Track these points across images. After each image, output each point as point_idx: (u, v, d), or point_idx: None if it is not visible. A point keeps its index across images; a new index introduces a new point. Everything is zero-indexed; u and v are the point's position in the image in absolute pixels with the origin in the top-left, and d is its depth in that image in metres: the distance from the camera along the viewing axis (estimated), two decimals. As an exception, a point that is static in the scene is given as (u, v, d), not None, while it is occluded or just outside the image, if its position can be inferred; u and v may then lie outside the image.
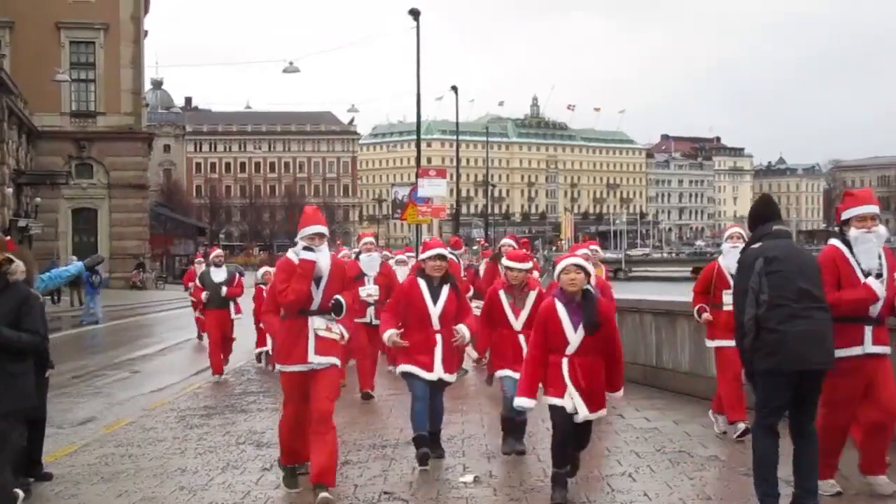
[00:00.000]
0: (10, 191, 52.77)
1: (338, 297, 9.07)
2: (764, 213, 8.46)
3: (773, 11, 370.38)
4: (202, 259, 28.45)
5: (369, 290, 14.56)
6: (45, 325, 9.66)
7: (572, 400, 8.45)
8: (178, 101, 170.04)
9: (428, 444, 10.21)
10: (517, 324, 10.56)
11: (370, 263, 15.40)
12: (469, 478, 9.64)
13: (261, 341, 19.43)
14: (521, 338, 10.37)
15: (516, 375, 9.75)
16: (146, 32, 70.44)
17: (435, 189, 35.26)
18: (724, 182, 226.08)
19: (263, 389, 16.74)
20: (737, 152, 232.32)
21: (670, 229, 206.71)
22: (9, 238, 11.29)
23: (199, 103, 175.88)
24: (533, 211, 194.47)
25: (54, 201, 62.16)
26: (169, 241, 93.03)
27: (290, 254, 9.25)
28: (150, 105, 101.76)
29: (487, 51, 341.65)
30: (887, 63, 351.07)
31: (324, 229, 9.20)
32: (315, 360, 8.89)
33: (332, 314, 9.08)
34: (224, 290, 18.55)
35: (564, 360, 8.51)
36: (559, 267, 8.67)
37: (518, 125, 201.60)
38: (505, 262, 11.07)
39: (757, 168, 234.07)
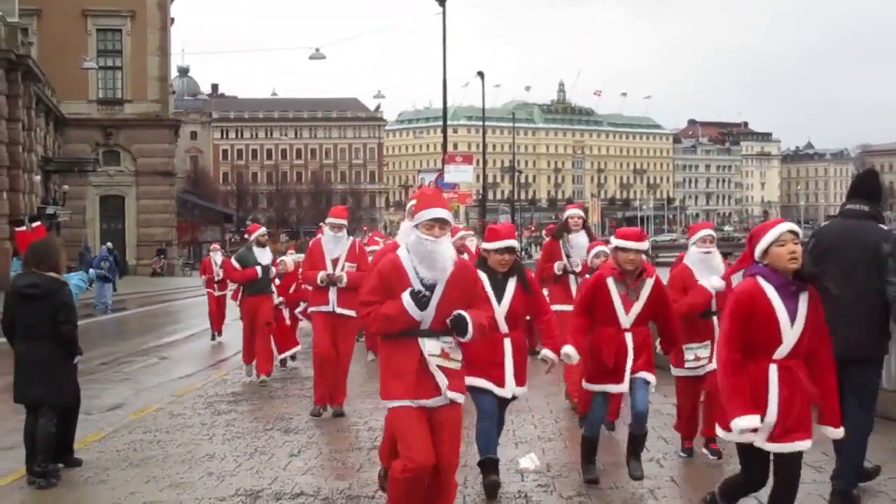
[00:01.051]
0: (38, 178, 52.98)
1: (460, 312, 6.75)
2: (851, 189, 8.37)
3: (785, 1, 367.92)
4: (218, 247, 28.04)
5: None
6: (75, 313, 9.75)
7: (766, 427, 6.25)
8: (205, 89, 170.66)
9: (497, 470, 8.63)
10: (626, 320, 8.68)
11: None
12: (529, 463, 9.49)
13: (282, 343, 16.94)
14: (629, 338, 8.69)
15: (619, 389, 8.77)
16: (173, 20, 70.60)
17: (461, 175, 35.31)
18: (752, 167, 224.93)
19: (290, 376, 16.78)
20: (764, 137, 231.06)
21: (697, 215, 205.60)
22: (38, 223, 11.38)
23: (226, 90, 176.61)
24: (559, 197, 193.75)
25: (82, 189, 62.39)
26: (196, 228, 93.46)
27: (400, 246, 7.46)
28: (176, 92, 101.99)
29: (510, 39, 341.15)
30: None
31: (448, 214, 6.97)
32: (451, 395, 6.84)
33: (452, 335, 6.87)
34: (273, 271, 16.01)
35: (773, 367, 6.21)
36: (771, 236, 6.22)
37: (544, 111, 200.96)
38: (616, 241, 8.83)
39: (784, 153, 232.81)
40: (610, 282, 8.67)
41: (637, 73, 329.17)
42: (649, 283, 8.73)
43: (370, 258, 12.71)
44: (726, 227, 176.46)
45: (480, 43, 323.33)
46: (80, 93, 63.32)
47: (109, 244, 47.64)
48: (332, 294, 12.53)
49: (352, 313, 12.30)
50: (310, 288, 13.23)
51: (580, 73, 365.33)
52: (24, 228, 10.82)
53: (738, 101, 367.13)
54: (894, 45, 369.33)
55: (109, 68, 65.50)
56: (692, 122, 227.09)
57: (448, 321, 6.72)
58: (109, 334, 27.87)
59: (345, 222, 12.93)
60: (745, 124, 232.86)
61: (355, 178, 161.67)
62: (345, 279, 12.45)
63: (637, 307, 8.66)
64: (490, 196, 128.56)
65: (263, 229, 17.01)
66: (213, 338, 24.35)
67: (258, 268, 15.73)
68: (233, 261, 16.49)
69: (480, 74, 50.47)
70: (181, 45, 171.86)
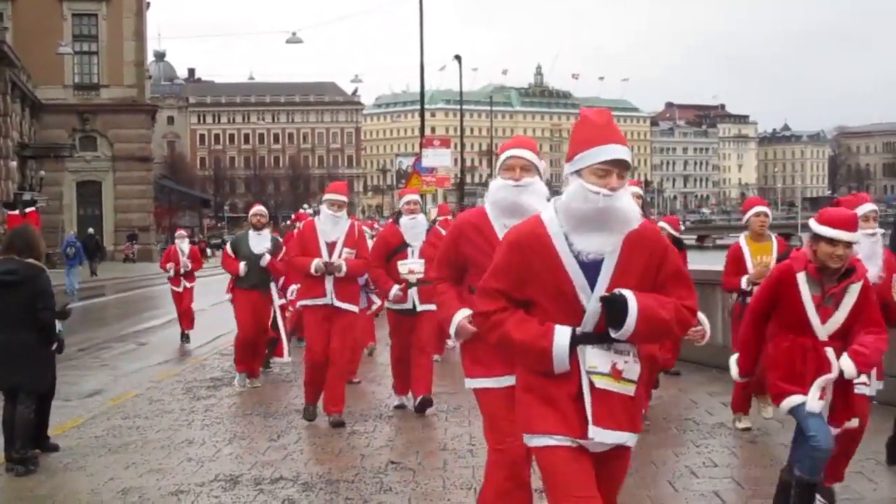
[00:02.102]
0: (14, 164, 52.72)
1: (621, 291, 4.57)
2: None
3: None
4: (185, 234, 23.03)
5: (411, 265, 11.19)
6: (53, 300, 9.74)
7: None
8: (182, 73, 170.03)
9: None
10: (822, 332, 6.48)
11: (414, 230, 11.46)
12: None
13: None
14: (831, 353, 6.48)
15: (816, 407, 6.46)
16: (148, 4, 70.22)
17: (439, 159, 35.32)
18: (729, 150, 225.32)
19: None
20: (741, 120, 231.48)
21: (675, 197, 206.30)
22: (32, 209, 11.37)
23: (203, 75, 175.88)
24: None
25: (58, 174, 62.05)
26: (174, 214, 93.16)
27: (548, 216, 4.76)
28: (153, 77, 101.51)
29: (488, 23, 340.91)
30: (888, 30, 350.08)
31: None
32: (598, 435, 4.64)
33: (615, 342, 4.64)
34: (266, 259, 13.81)
35: None
36: None
37: (522, 94, 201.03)
38: (819, 227, 6.41)
39: (761, 135, 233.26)
40: (802, 279, 6.53)
41: (614, 57, 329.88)
42: (855, 289, 6.50)
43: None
44: (703, 210, 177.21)
45: (458, 27, 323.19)
46: (55, 78, 62.93)
47: (91, 229, 48.08)
48: (329, 284, 10.77)
49: (352, 307, 10.98)
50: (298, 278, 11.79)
51: (557, 56, 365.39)
52: (16, 212, 10.78)
53: (715, 85, 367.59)
54: (871, 28, 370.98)
55: (85, 53, 65.07)
56: (669, 105, 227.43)
57: (600, 298, 4.57)
58: (87, 320, 27.78)
59: (345, 199, 11.33)
60: (722, 107, 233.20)
61: (333, 162, 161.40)
62: (344, 268, 10.68)
63: (838, 318, 6.50)
64: (468, 180, 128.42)
65: (259, 208, 14.66)
66: (183, 340, 20.74)
67: (241, 264, 13.74)
68: (228, 248, 14.39)
69: (458, 58, 50.45)
70: (157, 30, 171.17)
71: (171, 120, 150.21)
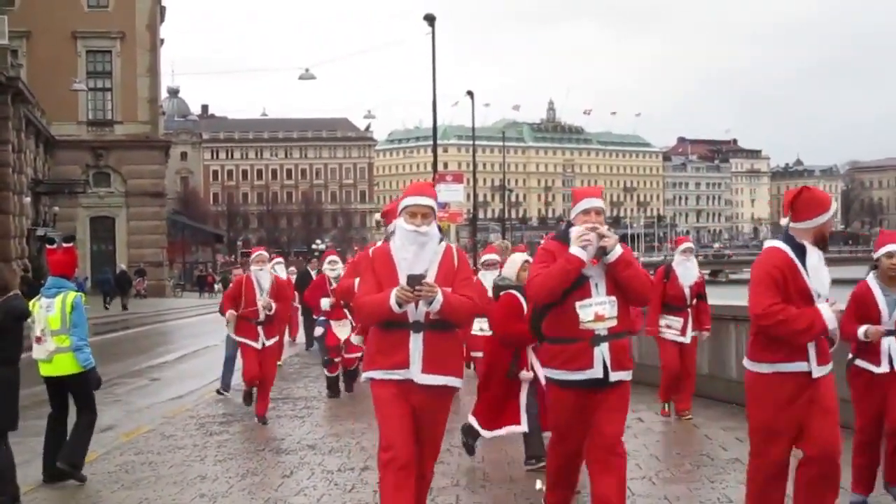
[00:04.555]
0: (28, 200, 52.93)
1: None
2: None
3: (772, 20, 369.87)
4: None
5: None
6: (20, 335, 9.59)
7: None
8: (195, 109, 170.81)
9: None
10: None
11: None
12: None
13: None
14: None
15: None
16: (162, 41, 70.63)
17: (452, 194, 35.38)
18: (742, 184, 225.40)
19: (282, 396, 16.73)
20: (753, 154, 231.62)
21: (688, 232, 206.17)
22: (71, 244, 11.34)
23: (216, 111, 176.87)
24: (550, 215, 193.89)
25: (72, 210, 62.33)
26: (187, 249, 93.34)
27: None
28: (166, 113, 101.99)
29: (498, 59, 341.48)
30: (894, 63, 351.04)
31: None
32: None
33: None
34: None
35: None
36: None
37: (534, 129, 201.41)
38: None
39: (774, 170, 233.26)
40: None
41: (626, 92, 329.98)
42: None
43: None
44: (715, 245, 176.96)
45: (469, 63, 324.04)
46: (70, 114, 63.32)
47: (123, 265, 49.64)
48: (415, 344, 6.81)
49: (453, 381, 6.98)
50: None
51: (569, 91, 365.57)
52: (55, 247, 10.83)
53: (727, 119, 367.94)
54: (880, 62, 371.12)
55: (99, 90, 65.49)
56: (681, 140, 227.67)
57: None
58: (100, 356, 27.75)
59: (433, 204, 7.18)
60: (735, 141, 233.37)
61: (346, 197, 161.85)
62: (440, 299, 6.67)
63: None
64: (481, 215, 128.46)
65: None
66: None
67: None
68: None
69: (470, 94, 50.65)
70: (171, 66, 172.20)
71: (184, 156, 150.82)
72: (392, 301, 6.59)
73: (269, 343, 13.91)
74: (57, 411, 10.60)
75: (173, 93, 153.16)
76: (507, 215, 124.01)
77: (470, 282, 7.10)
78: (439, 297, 6.62)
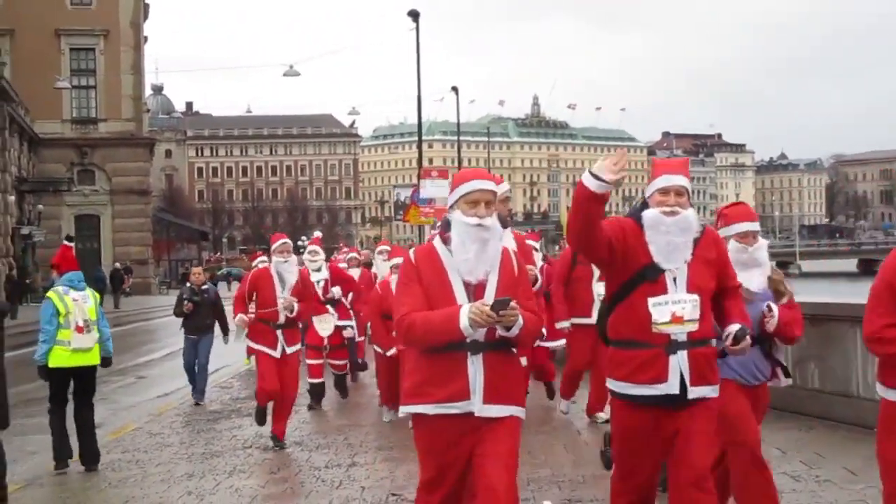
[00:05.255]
0: (12, 198, 52.79)
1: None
2: None
3: (755, 15, 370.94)
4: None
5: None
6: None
7: None
8: (179, 107, 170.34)
9: None
10: None
11: None
12: None
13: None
14: None
15: None
16: (146, 38, 70.43)
17: (437, 190, 35.22)
18: (727, 178, 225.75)
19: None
20: (738, 148, 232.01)
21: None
22: (70, 244, 11.46)
23: (200, 108, 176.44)
24: (535, 210, 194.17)
25: (57, 208, 62.19)
26: (172, 247, 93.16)
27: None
28: (150, 111, 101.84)
29: (482, 54, 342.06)
30: (877, 57, 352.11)
31: None
32: None
33: None
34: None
35: None
36: None
37: (519, 125, 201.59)
38: None
39: (759, 164, 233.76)
40: None
41: (611, 87, 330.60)
42: None
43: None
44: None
45: (454, 59, 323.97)
46: (53, 112, 63.11)
47: (118, 264, 50.13)
48: (474, 368, 5.57)
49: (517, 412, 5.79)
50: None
51: (554, 87, 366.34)
52: (71, 245, 11.15)
53: (711, 114, 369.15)
54: (865, 57, 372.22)
55: (83, 87, 65.30)
56: (666, 135, 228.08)
57: None
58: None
59: (496, 189, 6.01)
60: (719, 136, 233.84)
61: (331, 194, 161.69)
62: (520, 324, 5.51)
63: None
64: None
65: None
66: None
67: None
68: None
69: (455, 90, 50.70)
70: (155, 64, 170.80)
71: (168, 153, 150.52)
72: (464, 323, 5.34)
73: (290, 351, 11.62)
74: (64, 403, 11.12)
75: (157, 90, 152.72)
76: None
77: (531, 291, 6.04)
78: (520, 322, 5.45)
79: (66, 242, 11.28)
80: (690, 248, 5.84)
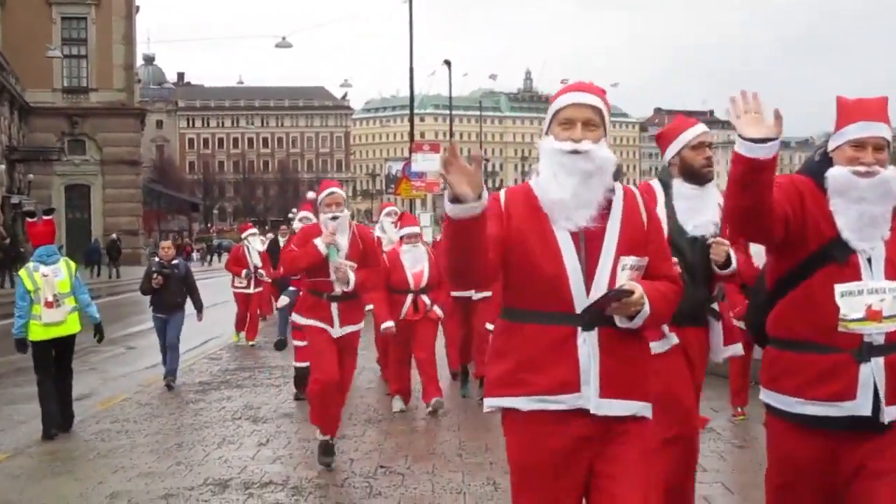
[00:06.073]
0: (2, 167, 52.66)
1: None
2: None
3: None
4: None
5: None
6: None
7: None
8: (171, 77, 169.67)
9: None
10: None
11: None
12: None
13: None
14: None
15: None
16: (138, 8, 70.19)
17: (429, 164, 35.22)
18: (718, 155, 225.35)
19: (258, 365, 16.75)
20: (730, 125, 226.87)
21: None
22: (50, 217, 11.52)
23: (192, 79, 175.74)
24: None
25: (47, 178, 62.02)
26: (162, 217, 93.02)
27: None
28: (142, 81, 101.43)
29: (475, 28, 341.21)
30: (868, 35, 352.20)
31: None
32: None
33: None
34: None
35: None
36: None
37: (511, 99, 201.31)
38: None
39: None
40: None
41: (602, 63, 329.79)
42: None
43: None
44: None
45: (447, 32, 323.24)
46: (44, 81, 62.89)
47: (115, 235, 50.58)
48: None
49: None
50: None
51: (546, 61, 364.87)
52: (35, 220, 11.18)
53: (703, 90, 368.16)
54: (857, 35, 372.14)
55: (74, 57, 65.05)
56: (658, 111, 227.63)
57: None
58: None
59: (602, 106, 4.60)
60: (711, 112, 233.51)
61: (322, 166, 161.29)
62: (646, 312, 4.15)
63: None
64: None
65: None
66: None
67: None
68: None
69: (447, 63, 50.47)
70: (146, 34, 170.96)
71: (160, 124, 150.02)
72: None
73: (348, 331, 9.44)
74: (49, 371, 11.35)
75: (149, 60, 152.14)
76: (483, 185, 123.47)
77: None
78: (645, 311, 4.02)
79: (44, 216, 11.39)
80: (889, 220, 4.37)
